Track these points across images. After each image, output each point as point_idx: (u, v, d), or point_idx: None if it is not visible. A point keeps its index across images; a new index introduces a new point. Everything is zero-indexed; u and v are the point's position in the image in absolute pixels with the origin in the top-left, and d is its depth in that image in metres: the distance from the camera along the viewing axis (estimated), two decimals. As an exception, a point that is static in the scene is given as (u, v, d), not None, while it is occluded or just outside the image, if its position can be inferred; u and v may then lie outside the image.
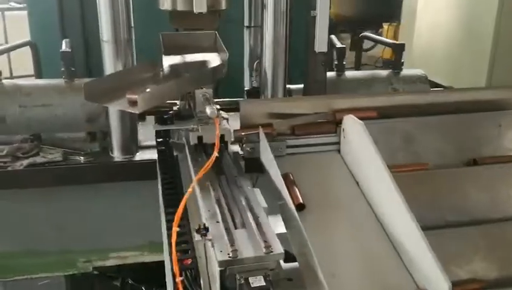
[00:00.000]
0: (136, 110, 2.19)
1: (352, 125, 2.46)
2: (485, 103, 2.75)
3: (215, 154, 2.00)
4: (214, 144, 2.43)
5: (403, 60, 3.51)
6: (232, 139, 2.27)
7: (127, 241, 3.04)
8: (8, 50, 3.10)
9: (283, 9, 2.83)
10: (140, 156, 2.97)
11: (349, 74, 3.44)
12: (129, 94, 2.29)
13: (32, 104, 2.92)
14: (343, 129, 2.59)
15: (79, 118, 2.99)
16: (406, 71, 3.54)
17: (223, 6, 2.66)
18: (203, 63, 2.70)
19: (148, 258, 3.07)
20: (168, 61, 2.62)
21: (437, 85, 3.89)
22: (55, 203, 2.89)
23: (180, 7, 2.62)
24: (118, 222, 3.00)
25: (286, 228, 1.84)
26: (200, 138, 2.38)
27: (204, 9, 2.52)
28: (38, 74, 3.63)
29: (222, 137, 2.43)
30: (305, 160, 2.40)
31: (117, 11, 2.67)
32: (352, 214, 2.11)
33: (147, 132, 3.07)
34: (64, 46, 3.19)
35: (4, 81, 2.98)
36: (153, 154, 2.94)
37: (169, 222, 1.96)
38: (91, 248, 2.99)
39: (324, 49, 2.93)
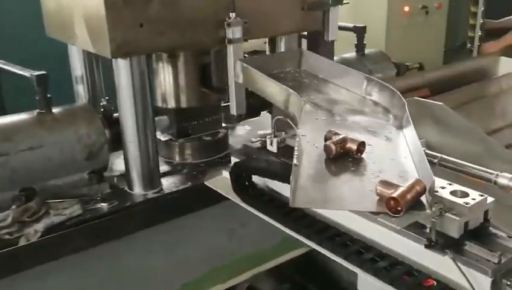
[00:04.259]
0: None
1: (423, 108, 2.47)
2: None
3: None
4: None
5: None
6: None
7: (158, 290, 2.55)
8: None
9: None
10: (167, 186, 2.49)
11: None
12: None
13: (16, 149, 2.21)
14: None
15: (78, 156, 2.37)
16: (367, 52, 3.63)
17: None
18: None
19: (181, 302, 2.63)
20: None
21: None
22: (72, 272, 2.24)
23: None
24: (148, 271, 2.48)
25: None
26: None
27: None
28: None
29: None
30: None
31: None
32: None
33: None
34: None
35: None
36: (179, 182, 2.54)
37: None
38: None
39: (335, 37, 2.83)
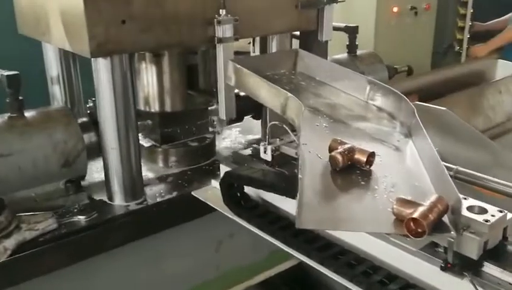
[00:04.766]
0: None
1: (425, 113, 2.33)
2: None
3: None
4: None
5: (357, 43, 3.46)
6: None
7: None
8: None
9: None
10: (150, 196, 2.30)
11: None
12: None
13: (-16, 157, 2.00)
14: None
15: (53, 164, 2.17)
16: (359, 53, 3.49)
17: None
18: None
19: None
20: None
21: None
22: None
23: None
24: (130, 289, 2.30)
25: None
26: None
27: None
28: None
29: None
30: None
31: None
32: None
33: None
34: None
35: None
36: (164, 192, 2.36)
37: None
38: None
39: (329, 37, 2.68)
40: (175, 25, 2.13)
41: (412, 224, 1.15)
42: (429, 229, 1.14)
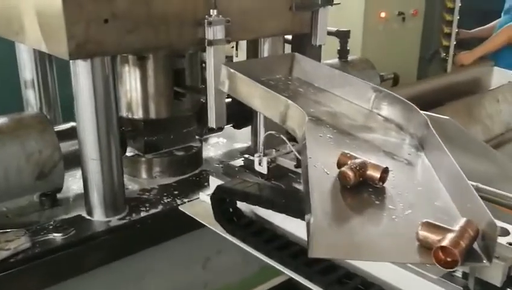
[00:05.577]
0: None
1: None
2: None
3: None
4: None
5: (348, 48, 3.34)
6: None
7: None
8: None
9: None
10: (133, 211, 2.13)
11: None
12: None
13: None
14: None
15: (26, 176, 1.98)
16: (350, 59, 3.38)
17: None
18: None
19: None
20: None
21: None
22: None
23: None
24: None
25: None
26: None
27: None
28: None
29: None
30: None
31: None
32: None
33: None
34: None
35: None
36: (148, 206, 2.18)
37: None
38: None
39: (323, 41, 2.55)
40: (162, 25, 1.97)
41: (441, 253, 1.01)
42: (462, 259, 1.00)
